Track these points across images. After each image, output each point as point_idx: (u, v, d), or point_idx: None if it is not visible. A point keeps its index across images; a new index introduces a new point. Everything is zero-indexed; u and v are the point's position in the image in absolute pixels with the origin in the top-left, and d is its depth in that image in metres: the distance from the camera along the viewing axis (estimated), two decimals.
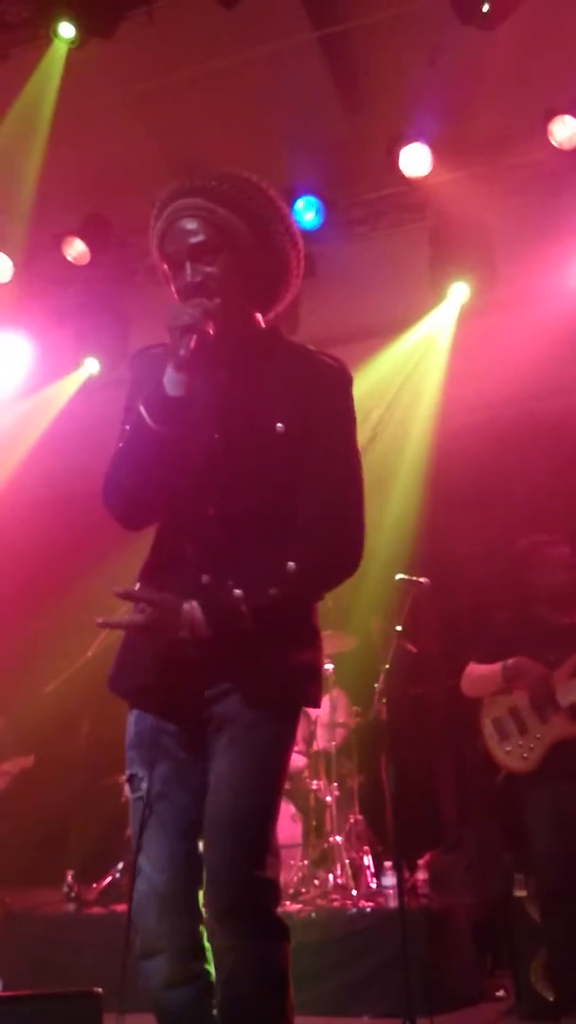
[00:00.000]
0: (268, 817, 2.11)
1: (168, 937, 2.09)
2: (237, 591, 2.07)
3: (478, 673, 4.31)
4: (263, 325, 2.34)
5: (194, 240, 2.19)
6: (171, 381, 2.09)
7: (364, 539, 2.22)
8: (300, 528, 2.17)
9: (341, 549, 2.21)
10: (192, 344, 2.08)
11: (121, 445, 2.18)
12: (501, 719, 4.20)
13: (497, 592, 4.95)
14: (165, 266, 2.28)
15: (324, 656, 5.84)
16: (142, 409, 2.10)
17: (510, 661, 4.16)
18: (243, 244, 2.21)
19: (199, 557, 2.17)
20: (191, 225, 2.19)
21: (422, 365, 6.31)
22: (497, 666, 4.21)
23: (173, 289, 2.25)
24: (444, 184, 5.65)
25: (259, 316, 2.33)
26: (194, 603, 2.06)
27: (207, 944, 2.10)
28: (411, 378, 6.36)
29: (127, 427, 2.18)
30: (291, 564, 2.12)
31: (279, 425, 2.18)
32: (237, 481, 2.17)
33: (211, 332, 2.10)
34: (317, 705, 2.27)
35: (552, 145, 5.30)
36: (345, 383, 2.28)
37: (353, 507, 2.22)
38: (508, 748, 4.12)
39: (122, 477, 2.18)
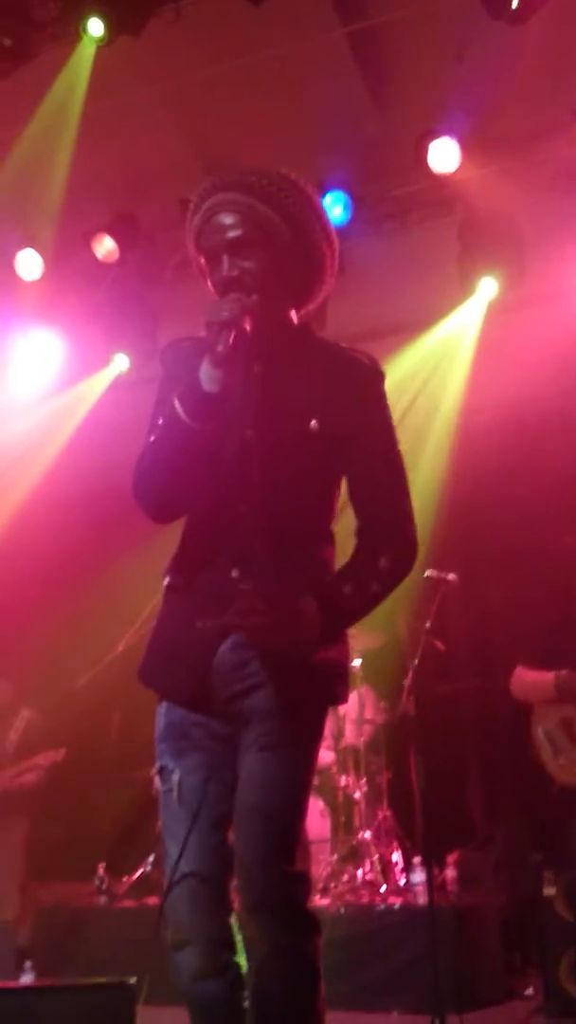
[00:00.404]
0: (298, 812, 2.14)
1: (200, 929, 2.10)
2: (346, 588, 2.14)
3: (529, 680, 4.28)
4: (296, 322, 2.34)
5: (232, 235, 2.19)
6: (207, 376, 2.08)
7: (417, 542, 2.27)
8: (366, 532, 2.22)
9: (406, 548, 2.25)
10: (231, 340, 2.07)
11: (153, 439, 2.18)
12: (553, 731, 4.17)
13: (536, 591, 4.93)
14: (201, 260, 2.28)
15: (352, 653, 5.86)
16: (177, 403, 2.10)
17: (563, 673, 4.12)
18: (280, 241, 2.21)
19: (229, 553, 2.17)
20: (229, 220, 2.19)
21: (447, 361, 6.29)
22: (549, 676, 4.17)
23: (209, 283, 2.25)
24: (472, 180, 5.62)
25: (293, 313, 2.33)
26: (310, 601, 2.07)
27: (238, 936, 2.12)
28: (436, 374, 6.34)
29: (160, 421, 2.17)
30: (382, 561, 2.17)
31: (313, 423, 2.19)
32: (269, 478, 2.17)
33: (248, 328, 2.11)
34: (344, 702, 2.30)
35: None
36: (380, 382, 2.29)
37: (408, 509, 2.27)
38: (561, 761, 4.09)
39: (154, 471, 2.18)
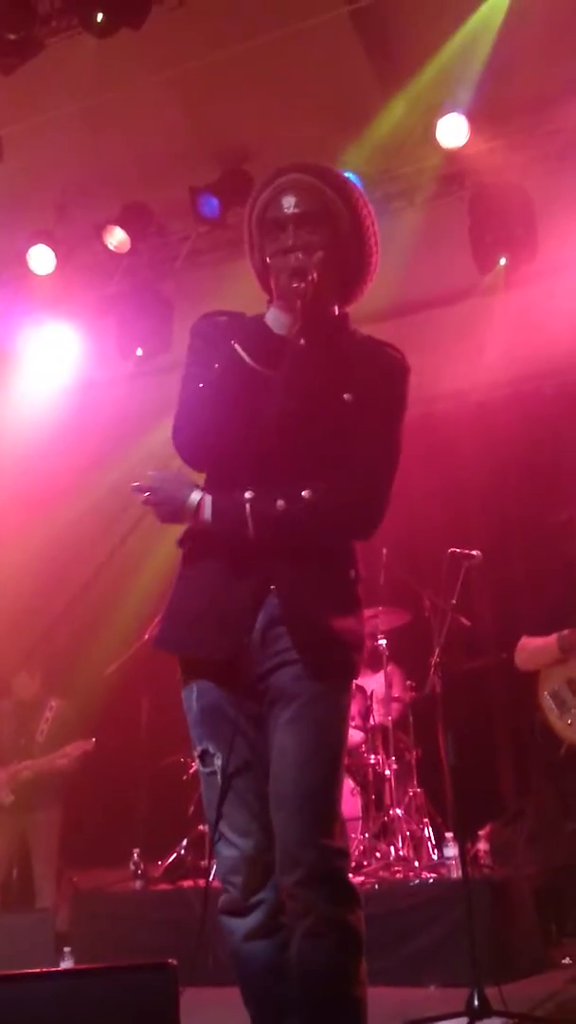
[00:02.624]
0: (335, 787, 2.18)
1: (259, 894, 2.20)
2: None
3: (532, 646, 4.31)
4: (337, 313, 2.42)
5: (301, 208, 2.29)
6: (276, 321, 2.19)
7: (382, 512, 2.28)
8: (329, 480, 2.24)
9: (358, 503, 2.26)
10: (303, 285, 2.17)
11: (204, 384, 2.23)
12: (559, 691, 4.20)
13: (547, 564, 4.95)
14: (256, 232, 2.36)
15: (378, 632, 5.89)
16: (238, 347, 2.18)
17: (565, 632, 4.15)
18: (342, 228, 2.32)
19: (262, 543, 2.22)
20: (300, 196, 2.30)
21: (465, 336, 6.26)
22: (552, 638, 4.20)
23: (268, 253, 2.31)
24: (481, 153, 5.59)
25: (336, 305, 2.41)
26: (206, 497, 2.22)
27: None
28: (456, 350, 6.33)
29: (216, 365, 2.22)
30: (305, 493, 2.20)
31: (347, 395, 2.26)
32: (304, 444, 2.24)
33: (315, 277, 2.20)
34: (357, 676, 2.34)
35: None
36: (404, 373, 2.36)
37: (384, 480, 2.29)
38: (569, 721, 4.11)
39: (204, 411, 2.24)
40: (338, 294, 2.40)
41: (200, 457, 2.31)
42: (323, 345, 2.29)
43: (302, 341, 2.24)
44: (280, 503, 2.19)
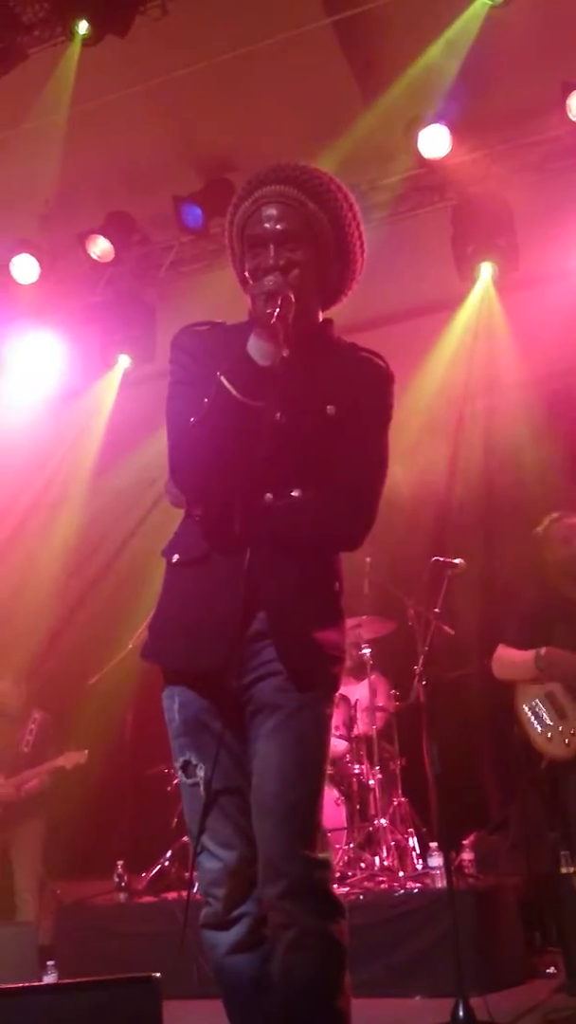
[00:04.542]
0: (317, 799, 2.17)
1: (241, 908, 2.19)
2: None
3: (509, 658, 4.31)
4: (320, 320, 2.41)
5: (282, 226, 2.25)
6: (258, 351, 2.14)
7: (369, 520, 2.28)
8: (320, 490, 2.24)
9: (343, 510, 2.26)
10: (278, 307, 2.12)
11: (196, 420, 2.19)
12: (537, 706, 4.20)
13: (526, 574, 4.97)
14: (238, 245, 2.34)
15: (363, 641, 5.87)
16: (224, 380, 2.13)
17: (543, 651, 4.15)
18: (324, 240, 2.29)
19: (248, 533, 2.21)
20: (280, 211, 2.26)
21: (449, 348, 6.29)
22: (529, 654, 4.20)
23: (246, 269, 2.30)
24: (463, 164, 5.62)
25: (319, 312, 2.40)
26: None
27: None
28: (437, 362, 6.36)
29: (205, 400, 2.18)
30: (295, 492, 2.21)
31: (329, 408, 2.25)
32: (294, 460, 2.23)
33: (292, 298, 2.16)
34: (339, 688, 2.33)
35: (570, 120, 5.26)
36: (388, 382, 2.36)
37: (371, 489, 2.29)
38: (549, 735, 4.12)
39: (203, 451, 2.20)
40: (321, 302, 2.39)
41: (199, 496, 2.30)
42: (305, 359, 2.28)
43: (285, 353, 2.22)
44: (268, 496, 2.20)
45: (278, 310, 2.12)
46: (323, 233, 2.29)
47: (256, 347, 2.14)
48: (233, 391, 2.12)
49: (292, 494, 2.21)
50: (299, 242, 2.26)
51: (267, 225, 2.26)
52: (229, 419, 2.14)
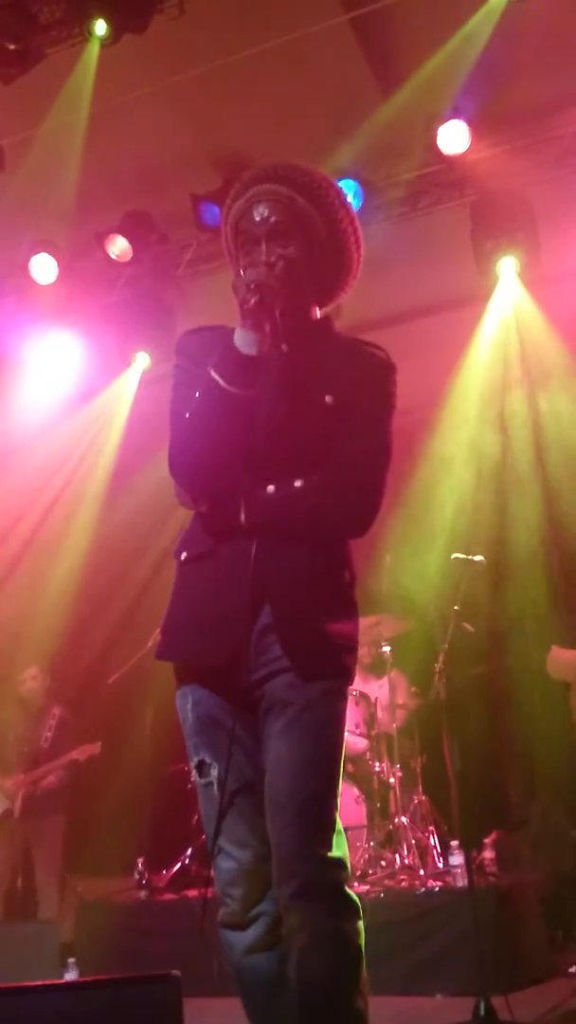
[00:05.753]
0: (331, 796, 2.15)
1: (258, 907, 2.19)
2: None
3: (564, 659, 4.30)
4: (318, 316, 2.42)
5: (273, 222, 2.29)
6: (243, 340, 2.16)
7: (373, 508, 2.27)
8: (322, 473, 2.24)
9: (347, 498, 2.25)
10: (257, 297, 2.14)
11: (189, 414, 2.21)
12: None
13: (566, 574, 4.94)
14: (232, 244, 2.38)
15: (382, 639, 5.86)
16: (213, 372, 2.16)
17: None
18: (316, 236, 2.31)
19: (253, 525, 2.21)
20: (272, 208, 2.30)
21: (469, 345, 6.28)
22: None
23: (241, 265, 2.32)
24: (483, 160, 5.60)
25: (316, 308, 2.41)
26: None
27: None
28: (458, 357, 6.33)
29: (197, 394, 2.21)
30: (297, 483, 2.20)
31: (328, 397, 2.26)
32: (294, 450, 2.23)
33: (275, 287, 2.18)
34: (353, 679, 2.31)
35: None
36: (389, 370, 2.36)
37: (375, 475, 2.29)
38: None
39: (194, 443, 2.22)
40: (317, 299, 2.40)
41: (197, 490, 2.30)
42: (303, 351, 2.30)
43: (284, 347, 2.24)
44: (271, 488, 2.21)
45: (258, 297, 2.14)
46: (315, 229, 2.31)
47: (241, 336, 2.16)
48: (221, 381, 2.14)
49: (295, 484, 2.21)
50: (290, 238, 2.29)
51: (259, 221, 2.30)
52: (220, 410, 2.17)
